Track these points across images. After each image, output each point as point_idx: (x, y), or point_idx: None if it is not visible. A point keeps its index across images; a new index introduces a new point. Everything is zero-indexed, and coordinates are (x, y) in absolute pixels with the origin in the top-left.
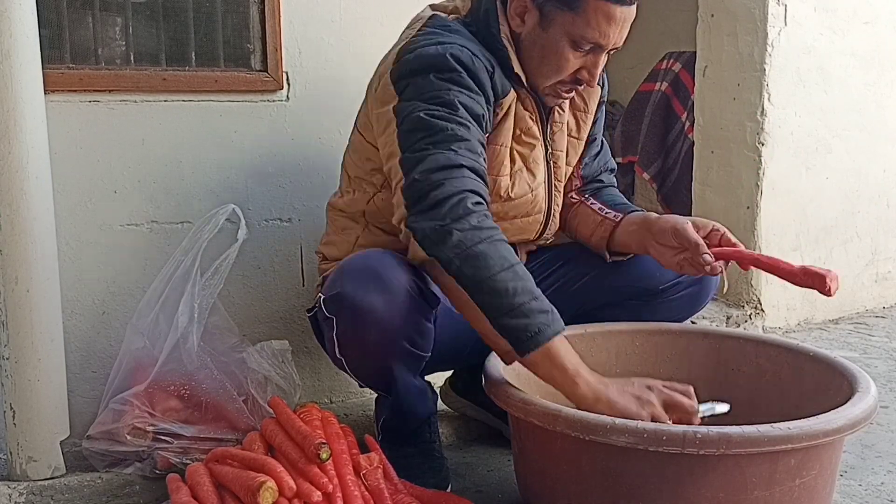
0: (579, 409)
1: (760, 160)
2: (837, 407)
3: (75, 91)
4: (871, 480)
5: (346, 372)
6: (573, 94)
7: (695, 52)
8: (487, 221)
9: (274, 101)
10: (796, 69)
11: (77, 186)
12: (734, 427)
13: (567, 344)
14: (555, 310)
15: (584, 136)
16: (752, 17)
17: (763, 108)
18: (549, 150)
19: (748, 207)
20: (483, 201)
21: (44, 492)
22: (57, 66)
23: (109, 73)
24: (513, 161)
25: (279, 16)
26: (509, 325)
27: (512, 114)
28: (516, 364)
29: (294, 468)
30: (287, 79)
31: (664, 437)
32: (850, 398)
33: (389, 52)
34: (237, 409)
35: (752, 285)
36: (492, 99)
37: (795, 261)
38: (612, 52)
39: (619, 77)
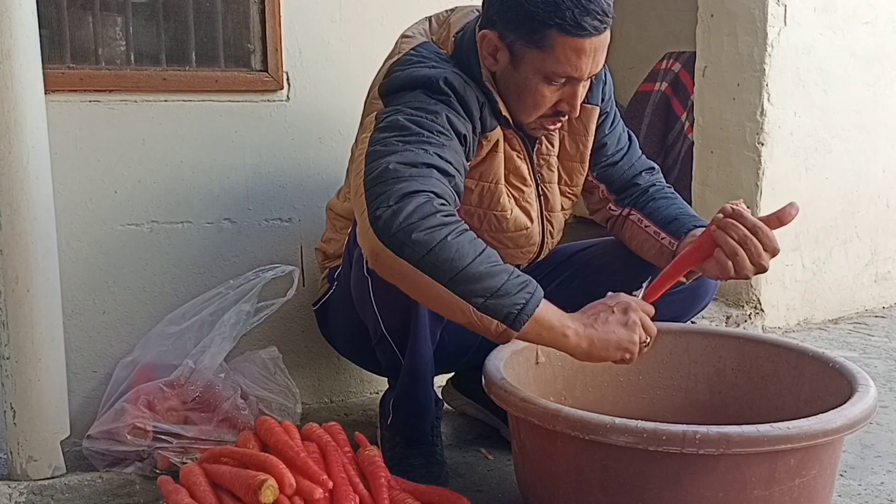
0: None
1: (760, 160)
2: (837, 407)
3: (75, 91)
4: (870, 480)
5: (368, 306)
6: (560, 124)
7: (695, 52)
8: (453, 218)
9: (274, 101)
10: (796, 69)
11: (77, 186)
12: (734, 427)
13: (548, 304)
14: (530, 278)
15: (586, 157)
16: (752, 17)
17: (763, 108)
18: (539, 185)
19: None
20: (447, 204)
21: (44, 491)
22: (57, 66)
23: (109, 73)
24: (508, 198)
25: (279, 16)
26: (497, 305)
27: (501, 150)
28: (516, 364)
29: (292, 466)
30: (287, 79)
31: (664, 437)
32: (849, 398)
33: (380, 69)
34: (238, 409)
35: (751, 285)
36: (478, 130)
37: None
38: (592, 77)
39: (619, 77)
